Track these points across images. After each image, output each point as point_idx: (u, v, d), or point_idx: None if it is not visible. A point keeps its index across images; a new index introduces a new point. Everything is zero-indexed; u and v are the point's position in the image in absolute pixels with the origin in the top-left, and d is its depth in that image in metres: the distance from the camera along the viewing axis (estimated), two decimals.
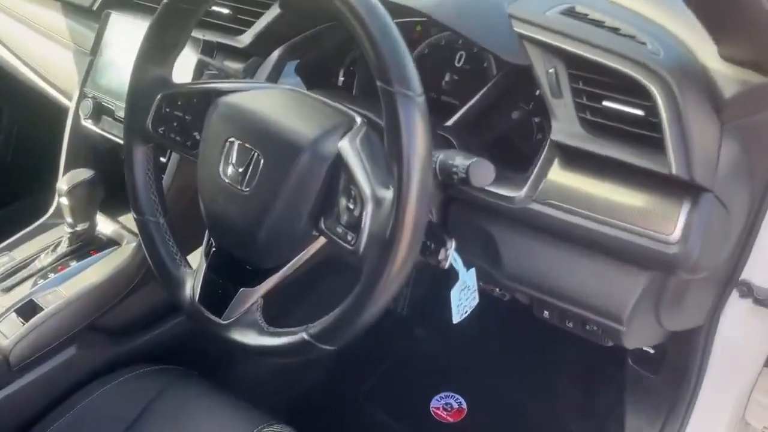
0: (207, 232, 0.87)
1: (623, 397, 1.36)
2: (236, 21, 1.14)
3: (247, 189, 0.77)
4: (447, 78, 1.12)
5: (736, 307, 0.97)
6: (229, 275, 0.83)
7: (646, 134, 0.74)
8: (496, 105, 1.01)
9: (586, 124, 0.79)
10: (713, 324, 1.01)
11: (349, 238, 0.70)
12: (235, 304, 0.81)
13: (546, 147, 0.83)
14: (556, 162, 0.82)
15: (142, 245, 0.93)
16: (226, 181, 0.79)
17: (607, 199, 0.77)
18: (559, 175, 0.81)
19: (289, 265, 0.80)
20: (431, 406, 1.54)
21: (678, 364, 1.11)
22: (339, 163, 0.73)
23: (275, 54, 1.14)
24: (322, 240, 0.78)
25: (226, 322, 0.81)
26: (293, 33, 1.14)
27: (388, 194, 0.67)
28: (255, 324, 0.80)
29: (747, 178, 0.80)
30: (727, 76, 0.75)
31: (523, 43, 0.83)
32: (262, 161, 0.76)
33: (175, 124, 0.89)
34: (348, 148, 0.73)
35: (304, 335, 0.74)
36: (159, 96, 0.89)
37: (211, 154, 0.81)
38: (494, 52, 0.85)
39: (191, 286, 0.86)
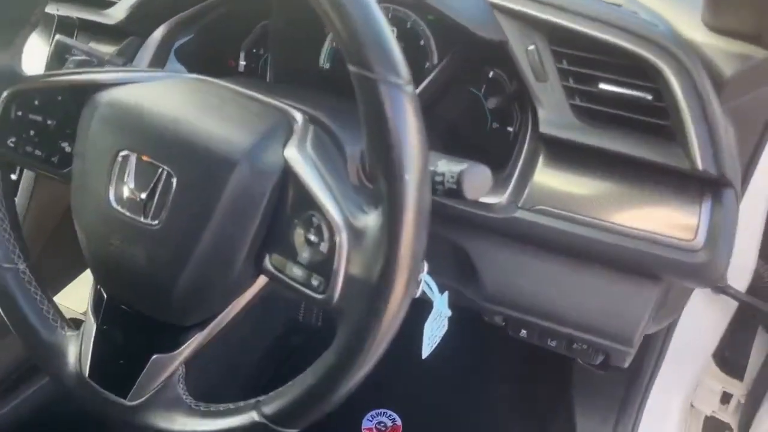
0: (93, 279, 0.63)
1: (569, 396, 1.29)
2: None
3: (156, 222, 0.55)
4: None
5: (695, 296, 0.91)
6: (133, 337, 0.61)
7: (653, 122, 0.62)
8: (444, 91, 0.85)
9: (578, 112, 0.65)
10: (678, 317, 0.94)
11: (315, 282, 0.51)
12: (147, 376, 0.59)
13: (527, 141, 0.69)
14: (541, 159, 0.68)
15: None
16: (122, 210, 0.56)
17: (610, 202, 0.64)
18: (547, 175, 0.67)
19: (218, 318, 0.59)
20: (363, 426, 1.38)
21: (634, 359, 1.04)
22: (288, 179, 0.53)
23: (159, 32, 0.90)
24: (262, 279, 0.58)
25: (134, 402, 0.59)
26: (181, 4, 0.90)
27: (369, 220, 0.49)
28: (178, 402, 0.59)
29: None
30: (723, 51, 0.65)
31: (494, 15, 0.67)
32: (174, 182, 0.54)
33: (31, 132, 0.64)
34: (298, 157, 0.53)
35: (255, 415, 0.54)
36: (4, 95, 0.63)
37: (93, 174, 0.58)
38: (463, 25, 0.68)
39: (76, 355, 0.63)
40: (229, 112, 0.57)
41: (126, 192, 0.56)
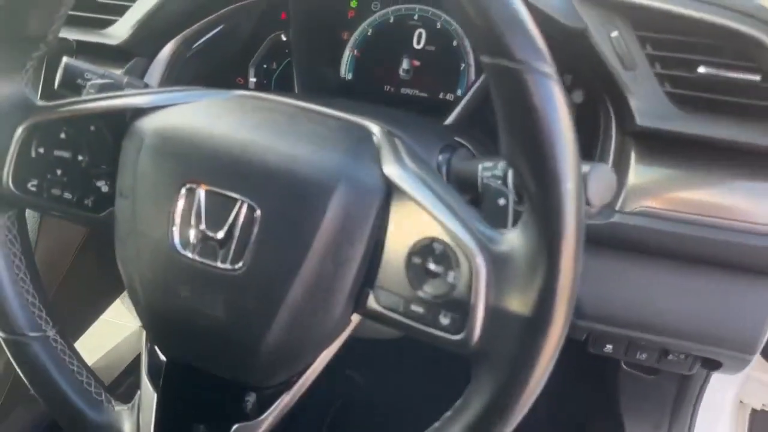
0: (145, 338, 0.53)
1: (616, 402, 1.23)
2: (100, 7, 0.78)
3: (238, 266, 0.45)
4: (405, 65, 0.87)
5: None
6: (206, 406, 0.51)
7: (763, 105, 0.57)
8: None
9: (675, 100, 0.59)
10: None
11: (445, 321, 0.43)
12: None
13: (613, 138, 0.63)
14: (634, 156, 0.62)
15: (23, 377, 0.56)
16: (191, 256, 0.47)
17: (718, 196, 0.59)
18: (644, 173, 0.61)
19: (307, 373, 0.50)
20: None
21: None
22: (394, 201, 0.45)
23: (166, 51, 0.80)
24: (354, 319, 0.50)
25: None
26: (187, 19, 0.81)
27: (512, 242, 0.41)
28: None
29: None
30: None
31: (572, 2, 0.61)
32: (258, 215, 0.45)
33: (58, 172, 0.53)
34: (402, 174, 0.45)
35: None
36: (20, 129, 0.53)
37: (149, 215, 0.48)
38: (547, 14, 0.61)
39: None
40: (304, 131, 0.49)
41: (195, 233, 0.46)
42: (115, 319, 1.12)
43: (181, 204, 0.47)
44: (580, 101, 0.64)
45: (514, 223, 0.47)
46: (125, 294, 0.71)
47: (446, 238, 0.43)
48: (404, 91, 0.88)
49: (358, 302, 0.47)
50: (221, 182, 0.46)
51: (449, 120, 0.76)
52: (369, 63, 0.88)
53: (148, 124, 0.50)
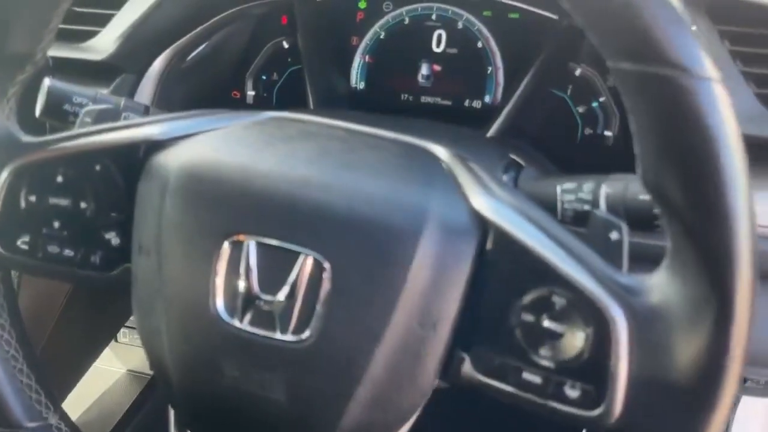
0: (174, 421, 0.44)
1: None
2: (79, 17, 0.67)
3: (304, 336, 0.36)
4: (424, 71, 0.79)
5: None
6: None
7: None
8: (534, 97, 0.70)
9: (765, 101, 0.52)
10: None
11: (573, 393, 0.35)
12: None
13: None
14: None
15: None
16: (240, 326, 0.37)
17: None
18: None
19: None
20: None
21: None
22: (494, 243, 0.37)
23: (157, 65, 0.70)
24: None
25: None
26: (180, 28, 0.71)
27: (660, 290, 0.33)
28: None
29: None
30: None
31: None
32: (327, 272, 0.36)
33: (55, 224, 0.43)
34: (498, 208, 0.37)
35: None
36: (5, 173, 0.42)
37: (181, 275, 0.38)
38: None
39: None
40: (366, 161, 0.40)
41: (244, 297, 0.37)
42: (103, 365, 1.01)
43: (224, 261, 0.37)
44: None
45: (633, 263, 0.39)
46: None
47: (569, 290, 0.34)
48: (424, 99, 0.79)
49: (448, 368, 0.38)
50: (276, 232, 0.37)
51: (491, 132, 0.68)
52: (383, 70, 0.80)
53: (172, 160, 0.40)
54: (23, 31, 0.39)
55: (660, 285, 0.33)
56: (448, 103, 0.79)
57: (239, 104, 0.83)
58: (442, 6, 0.77)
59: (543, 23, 0.72)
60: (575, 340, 0.35)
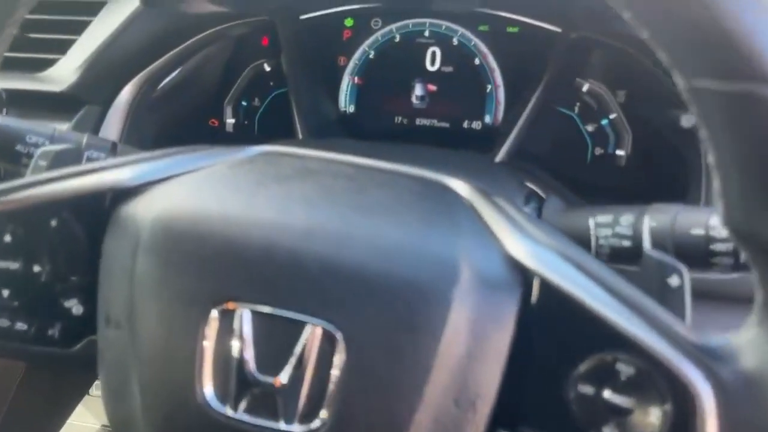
0: None
1: None
2: (34, 44, 0.60)
3: (317, 425, 0.30)
4: (418, 91, 0.73)
5: None
6: None
7: None
8: (541, 117, 0.65)
9: None
10: None
11: None
12: None
13: None
14: None
15: None
16: (235, 415, 0.30)
17: None
18: None
19: None
20: None
21: None
22: (540, 298, 0.31)
23: (125, 96, 0.63)
24: None
25: None
26: (149, 53, 0.64)
27: (752, 352, 0.27)
28: None
29: None
30: None
31: None
32: (340, 346, 0.29)
33: (5, 293, 0.35)
34: (540, 256, 0.31)
35: None
36: None
37: (161, 352, 0.31)
38: None
39: None
40: (379, 204, 0.34)
41: (238, 378, 0.30)
42: (77, 421, 0.92)
43: (212, 335, 0.30)
44: (690, 126, 0.51)
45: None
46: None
47: (638, 356, 0.28)
48: (420, 121, 0.73)
49: None
50: (275, 297, 0.30)
51: (499, 156, 0.62)
52: (374, 91, 0.74)
53: (144, 210, 0.33)
54: None
55: (752, 346, 0.27)
56: (445, 125, 0.73)
57: (218, 133, 0.77)
58: (435, 21, 0.72)
59: (545, 37, 0.67)
60: (648, 418, 0.28)
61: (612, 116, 0.67)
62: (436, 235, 0.31)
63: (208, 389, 0.30)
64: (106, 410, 0.34)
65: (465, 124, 0.72)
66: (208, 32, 0.67)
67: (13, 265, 0.35)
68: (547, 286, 0.30)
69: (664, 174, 0.62)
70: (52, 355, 0.36)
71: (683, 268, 0.33)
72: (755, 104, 0.24)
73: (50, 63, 0.59)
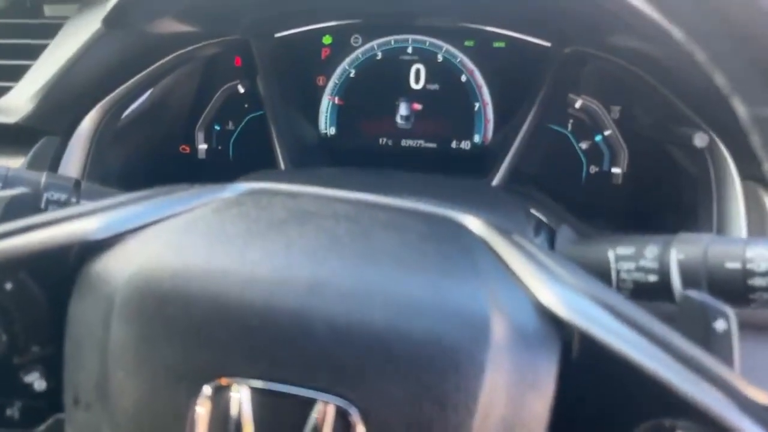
0: None
1: None
2: None
3: None
4: (403, 111, 0.69)
5: None
6: None
7: None
8: (534, 136, 0.62)
9: None
10: None
11: None
12: None
13: (736, 184, 0.48)
14: None
15: None
16: None
17: None
18: None
19: None
20: None
21: None
22: (581, 353, 0.27)
23: (87, 124, 0.58)
24: None
25: None
26: (112, 79, 0.59)
27: None
28: None
29: None
30: None
31: None
32: (357, 420, 0.25)
33: None
34: (577, 307, 0.27)
35: None
36: None
37: None
38: None
39: None
40: (391, 250, 0.29)
41: None
42: None
43: (204, 417, 0.26)
44: (705, 145, 0.48)
45: None
46: None
47: (700, 421, 0.25)
48: (405, 143, 0.69)
49: None
50: (278, 371, 0.25)
51: (496, 180, 0.58)
52: (356, 112, 0.70)
53: (116, 268, 0.28)
54: None
55: None
56: (432, 145, 0.69)
57: (190, 160, 0.72)
58: (419, 37, 0.69)
59: (534, 51, 0.64)
60: None
61: (606, 132, 0.64)
62: (459, 286, 0.27)
63: None
64: None
65: (453, 144, 0.69)
66: (176, 54, 0.62)
67: None
68: (589, 342, 0.27)
69: (664, 193, 0.60)
70: None
71: (730, 311, 0.30)
72: None
73: (3, 91, 0.54)
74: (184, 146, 0.72)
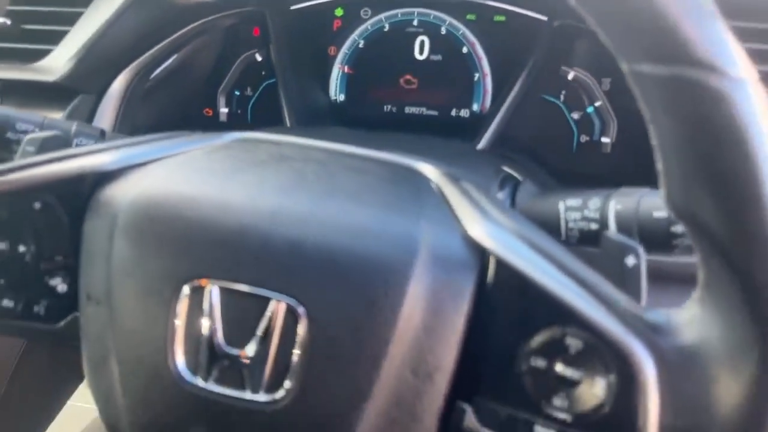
0: None
1: None
2: (27, 35, 0.61)
3: (281, 395, 0.31)
4: (407, 79, 0.74)
5: None
6: None
7: None
8: (525, 104, 0.66)
9: None
10: None
11: None
12: None
13: None
14: None
15: None
16: (205, 386, 0.32)
17: None
18: None
19: None
20: None
21: None
22: (497, 277, 0.32)
23: (118, 85, 0.65)
24: None
25: None
26: (142, 43, 0.65)
27: (692, 328, 0.29)
28: None
29: None
30: None
31: None
32: (303, 320, 0.31)
33: None
34: (498, 237, 0.32)
35: None
36: None
37: (137, 327, 0.33)
38: None
39: None
40: (347, 186, 0.35)
41: (208, 351, 0.32)
42: (78, 402, 0.94)
43: (183, 311, 0.32)
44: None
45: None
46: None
47: (586, 330, 0.30)
48: (408, 110, 0.74)
49: (448, 422, 0.33)
50: (241, 274, 0.31)
51: (481, 144, 0.63)
52: (363, 80, 0.75)
53: (121, 193, 0.35)
54: None
55: (693, 322, 0.28)
56: (434, 113, 0.74)
57: (212, 123, 0.78)
58: (424, 11, 0.73)
59: (531, 25, 0.68)
60: (595, 389, 0.30)
61: (597, 104, 0.68)
62: (398, 217, 0.33)
63: (181, 362, 0.32)
64: (89, 382, 0.36)
65: (453, 112, 0.73)
66: (199, 23, 0.69)
67: (0, 245, 0.37)
68: (502, 265, 0.32)
69: (649, 161, 0.63)
70: (39, 330, 0.38)
71: (639, 248, 0.34)
72: (686, 88, 0.25)
73: (44, 54, 0.61)
74: (207, 109, 0.78)
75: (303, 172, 0.36)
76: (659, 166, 0.28)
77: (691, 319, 0.28)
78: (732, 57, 0.25)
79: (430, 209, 0.34)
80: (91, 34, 0.60)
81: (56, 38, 0.61)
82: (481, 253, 0.32)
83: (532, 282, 0.31)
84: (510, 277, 0.31)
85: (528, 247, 0.32)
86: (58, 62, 0.60)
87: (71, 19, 0.61)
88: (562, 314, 0.30)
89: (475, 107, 0.72)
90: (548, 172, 0.65)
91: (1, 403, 0.63)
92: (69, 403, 0.90)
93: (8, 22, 0.59)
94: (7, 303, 0.37)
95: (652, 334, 0.29)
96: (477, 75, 0.72)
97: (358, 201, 0.34)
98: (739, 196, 0.25)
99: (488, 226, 0.33)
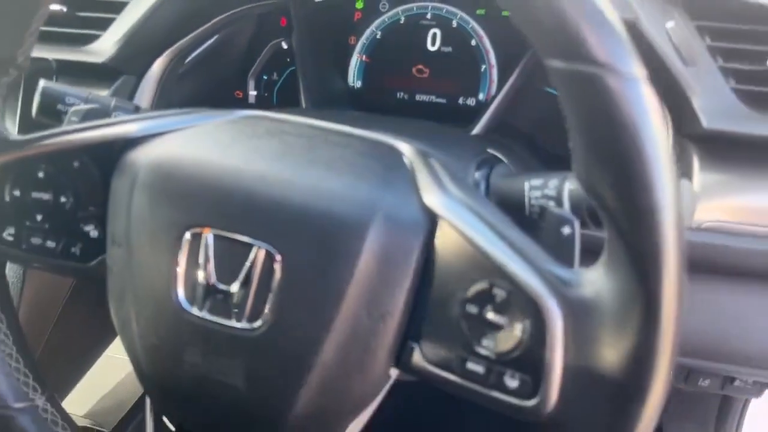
0: (149, 404, 0.46)
1: (659, 422, 1.15)
2: (81, 21, 0.70)
3: (257, 324, 0.38)
4: (419, 69, 0.79)
5: None
6: None
7: None
8: (515, 97, 0.71)
9: (743, 97, 0.52)
10: None
11: (512, 383, 0.36)
12: None
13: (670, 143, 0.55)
14: (697, 163, 0.54)
15: None
16: (199, 314, 0.39)
17: None
18: (710, 182, 0.53)
19: None
20: None
21: None
22: (442, 238, 0.38)
23: (157, 67, 0.73)
24: (393, 377, 0.42)
25: None
26: (177, 32, 0.73)
27: (594, 283, 0.34)
28: None
29: None
30: None
31: None
32: (279, 264, 0.37)
33: (38, 217, 0.46)
34: (448, 204, 0.38)
35: None
36: None
37: (146, 265, 0.41)
38: None
39: None
40: (327, 158, 0.41)
41: (203, 287, 0.39)
42: (116, 354, 1.04)
43: (184, 252, 0.39)
44: None
45: (585, 257, 0.40)
46: None
47: (509, 283, 0.35)
48: (419, 97, 0.80)
49: (399, 358, 0.39)
50: (232, 225, 0.38)
51: (476, 129, 0.68)
52: (379, 68, 0.81)
53: (141, 156, 0.42)
54: (3, 36, 0.42)
55: (594, 279, 0.34)
56: (442, 101, 0.79)
57: (242, 104, 0.86)
58: (437, 5, 0.78)
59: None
60: (514, 331, 0.35)
61: None
62: (365, 184, 0.39)
63: (181, 294, 0.39)
64: (112, 312, 0.44)
65: (460, 101, 0.78)
66: (232, 12, 0.76)
67: (45, 196, 0.45)
68: (448, 228, 0.37)
69: None
70: (74, 268, 0.46)
71: (575, 220, 0.40)
72: (587, 82, 0.30)
73: (94, 38, 0.69)
74: (238, 92, 0.86)
75: (292, 144, 0.43)
76: (570, 145, 0.33)
77: (594, 276, 0.34)
78: (626, 58, 0.30)
79: (395, 179, 0.40)
80: (134, 21, 0.68)
81: (105, 24, 0.69)
82: (431, 218, 0.38)
83: (471, 242, 0.36)
84: (453, 237, 0.37)
85: (472, 214, 0.37)
86: (105, 46, 0.69)
87: (118, 8, 0.70)
88: (492, 269, 0.36)
89: (481, 96, 0.77)
90: (547, 159, 0.70)
91: (45, 346, 0.72)
92: (107, 353, 1.00)
93: (64, 9, 0.68)
94: (51, 244, 0.46)
95: (561, 286, 0.34)
96: (484, 66, 0.77)
97: (334, 170, 0.40)
98: (627, 176, 0.30)
99: (442, 197, 0.38)
